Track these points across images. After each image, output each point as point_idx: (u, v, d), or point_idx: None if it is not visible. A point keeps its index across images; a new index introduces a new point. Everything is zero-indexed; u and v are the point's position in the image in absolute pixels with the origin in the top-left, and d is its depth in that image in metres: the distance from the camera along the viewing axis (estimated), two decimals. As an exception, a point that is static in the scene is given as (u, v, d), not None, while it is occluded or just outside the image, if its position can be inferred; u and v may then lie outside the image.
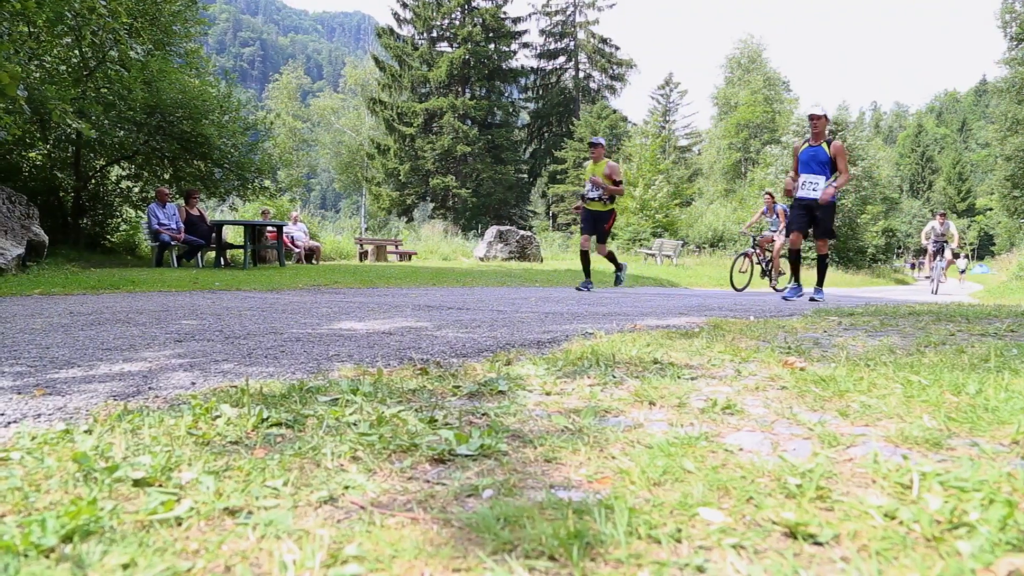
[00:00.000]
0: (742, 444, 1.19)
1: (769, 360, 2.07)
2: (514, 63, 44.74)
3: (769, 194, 12.20)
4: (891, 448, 1.15)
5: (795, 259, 7.43)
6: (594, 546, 0.77)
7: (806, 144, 7.17)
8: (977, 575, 0.70)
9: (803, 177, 7.06)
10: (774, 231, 11.82)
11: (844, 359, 2.06)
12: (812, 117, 7.08)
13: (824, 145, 7.02)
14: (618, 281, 9.34)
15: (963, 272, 31.34)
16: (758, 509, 0.87)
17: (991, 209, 46.40)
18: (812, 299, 7.03)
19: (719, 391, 1.63)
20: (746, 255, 11.86)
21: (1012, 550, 0.74)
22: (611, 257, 9.12)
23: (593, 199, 8.37)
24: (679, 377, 1.79)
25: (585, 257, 8.79)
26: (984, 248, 68.70)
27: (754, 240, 12.10)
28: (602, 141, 8.58)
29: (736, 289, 11.09)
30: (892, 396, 1.49)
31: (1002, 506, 0.82)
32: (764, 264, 11.96)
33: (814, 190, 6.92)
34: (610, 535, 0.79)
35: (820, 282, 7.47)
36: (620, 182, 8.41)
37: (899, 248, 63.36)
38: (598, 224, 8.52)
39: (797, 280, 7.42)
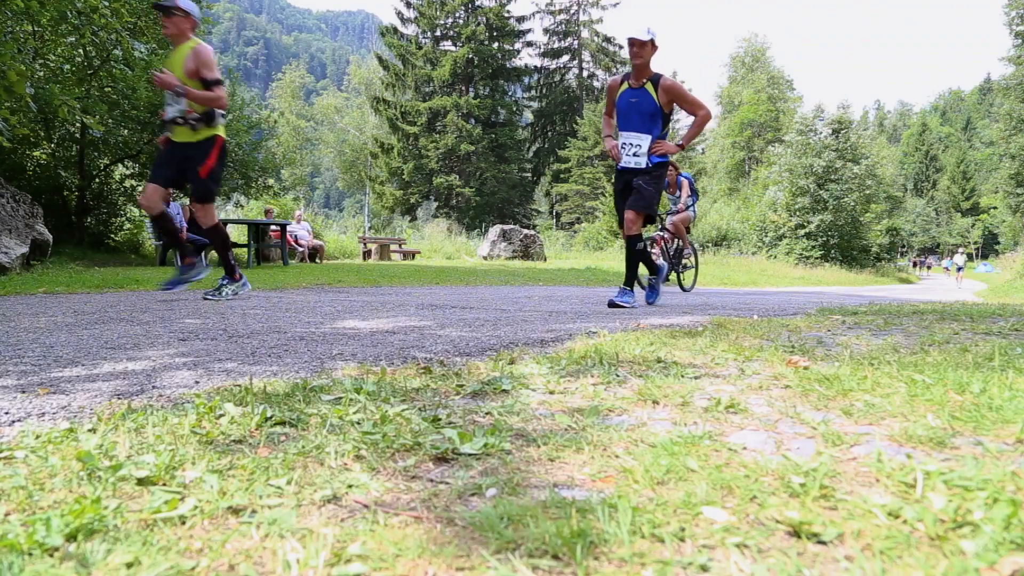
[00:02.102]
0: (746, 443, 1.18)
1: (773, 359, 2.07)
2: (518, 62, 44.75)
3: (671, 164, 9.91)
4: (895, 447, 1.14)
5: (629, 239, 5.12)
6: (598, 545, 0.77)
7: (625, 84, 4.90)
8: (981, 574, 0.70)
9: (623, 136, 4.91)
10: (679, 210, 9.53)
11: (848, 358, 2.05)
12: (632, 43, 4.72)
13: (649, 87, 4.77)
14: (220, 291, 4.98)
15: (960, 270, 30.74)
16: (762, 508, 0.87)
17: (995, 208, 46.30)
18: (612, 303, 4.89)
19: (723, 390, 1.62)
20: (654, 241, 9.42)
21: (1016, 549, 0.74)
22: (218, 239, 5.05)
23: (175, 121, 4.60)
24: (682, 376, 1.79)
25: (160, 222, 5.02)
26: (988, 247, 68.58)
27: (662, 223, 9.53)
28: (182, 3, 4.58)
29: (641, 286, 8.96)
30: (896, 395, 1.49)
31: (1006, 505, 0.82)
32: (671, 253, 9.52)
33: (636, 155, 4.83)
34: (613, 534, 0.79)
35: (628, 278, 5.16)
36: (217, 82, 4.59)
37: (903, 247, 63.28)
38: (186, 166, 4.70)
39: (632, 278, 5.18)
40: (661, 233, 9.35)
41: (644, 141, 4.85)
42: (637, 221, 4.94)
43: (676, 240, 9.46)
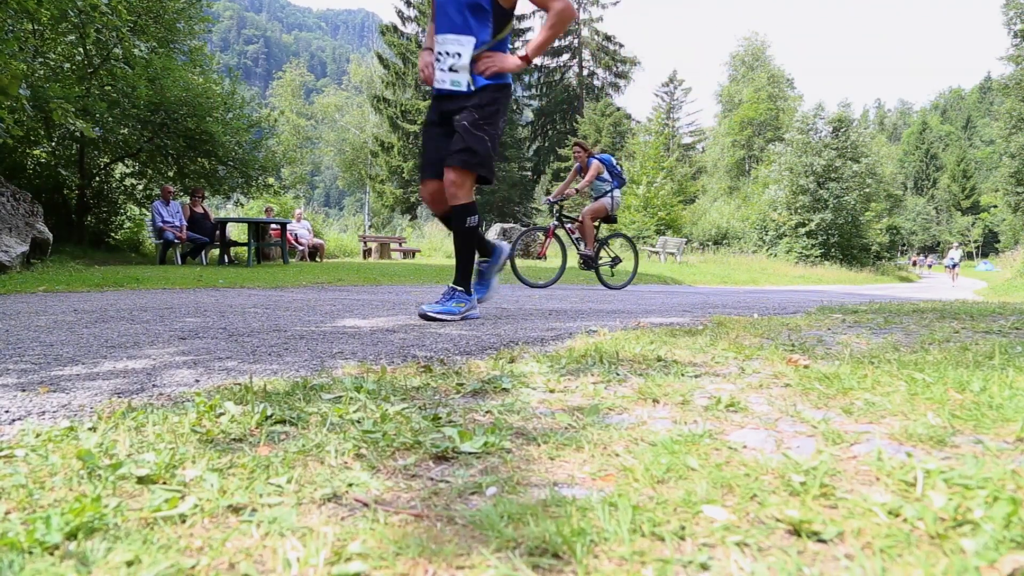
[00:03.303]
0: (746, 442, 1.18)
1: (773, 357, 2.07)
2: (518, 60, 44.66)
3: (579, 145, 8.47)
4: (895, 445, 1.14)
5: (448, 218, 3.50)
6: (598, 543, 0.77)
7: None
8: (981, 572, 0.70)
9: (438, 43, 3.31)
10: (596, 196, 8.36)
11: (848, 356, 2.05)
12: None
13: None
14: None
15: (956, 267, 30.16)
16: (762, 507, 0.87)
17: (995, 206, 46.31)
18: (426, 315, 3.43)
19: (723, 389, 1.62)
20: (547, 232, 8.26)
21: (1016, 547, 0.74)
22: None
23: None
24: (683, 375, 1.79)
25: None
26: (989, 246, 68.62)
27: (560, 211, 8.27)
28: None
29: (528, 283, 7.70)
30: (896, 393, 1.49)
31: (1006, 503, 0.82)
32: (582, 251, 8.41)
33: (452, 69, 3.26)
34: (614, 532, 0.79)
35: (460, 276, 3.55)
36: None
37: (903, 246, 63.33)
38: None
39: (468, 272, 3.59)
40: (551, 225, 8.22)
41: (464, 47, 3.23)
42: (464, 183, 3.30)
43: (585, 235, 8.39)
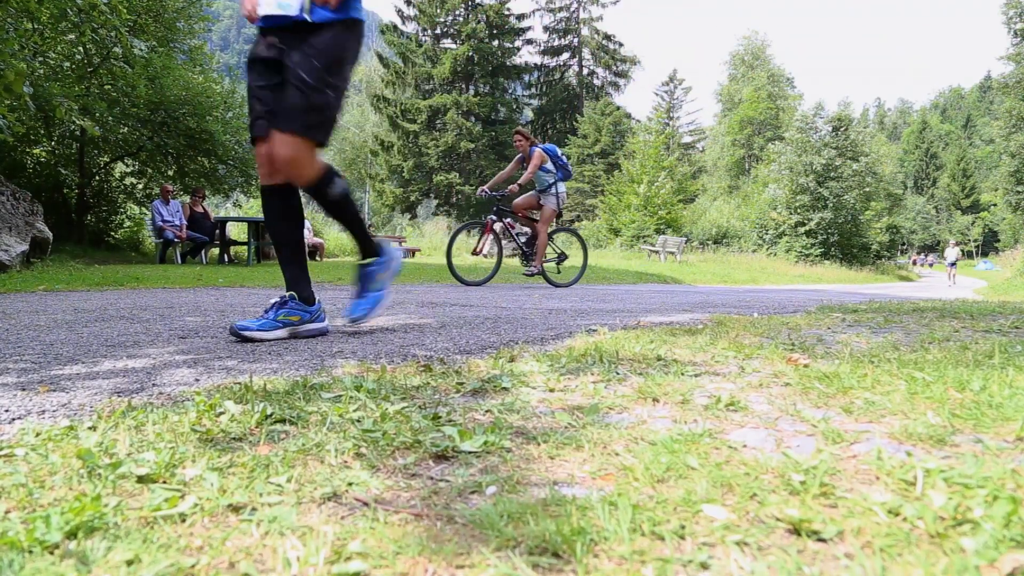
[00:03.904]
0: (746, 441, 1.18)
1: (773, 357, 2.07)
2: (518, 60, 44.81)
3: (519, 132, 7.77)
4: (895, 445, 1.14)
5: (274, 211, 2.77)
6: (598, 542, 0.77)
7: None
8: (981, 572, 0.70)
9: None
10: (540, 189, 7.75)
11: (848, 356, 2.05)
12: None
13: None
14: None
15: (953, 266, 29.84)
16: (762, 506, 0.87)
17: (995, 205, 46.33)
18: (354, 318, 2.89)
19: (723, 388, 1.62)
20: (483, 227, 7.76)
21: (1016, 546, 0.74)
22: None
23: None
24: (682, 374, 1.79)
25: None
26: (989, 245, 68.65)
27: (497, 204, 7.69)
28: None
29: (464, 281, 7.40)
30: (896, 393, 1.49)
31: (1006, 503, 0.82)
32: (522, 245, 7.98)
33: None
34: (614, 531, 0.79)
35: (361, 246, 2.99)
36: None
37: (903, 245, 63.33)
38: None
39: (299, 273, 2.92)
40: (489, 218, 7.63)
41: None
42: (307, 154, 2.53)
43: (520, 229, 7.88)
